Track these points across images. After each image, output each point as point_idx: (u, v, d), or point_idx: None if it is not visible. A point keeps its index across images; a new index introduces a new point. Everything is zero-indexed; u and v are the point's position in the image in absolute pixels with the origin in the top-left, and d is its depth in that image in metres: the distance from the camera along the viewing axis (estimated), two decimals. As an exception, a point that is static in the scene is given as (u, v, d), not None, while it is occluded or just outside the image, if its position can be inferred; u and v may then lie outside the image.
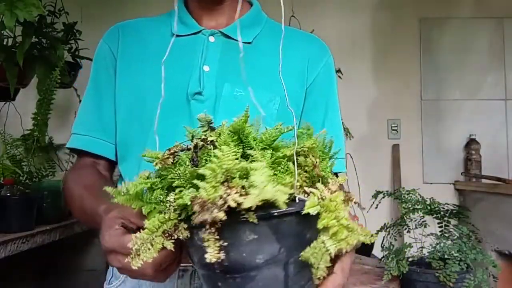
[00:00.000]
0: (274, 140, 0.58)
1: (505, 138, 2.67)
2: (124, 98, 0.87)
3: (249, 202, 0.48)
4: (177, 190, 0.54)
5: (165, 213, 0.54)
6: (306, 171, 0.56)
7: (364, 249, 2.00)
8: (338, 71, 2.31)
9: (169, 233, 0.53)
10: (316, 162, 0.56)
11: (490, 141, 2.64)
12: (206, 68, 0.86)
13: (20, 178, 1.70)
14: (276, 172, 0.54)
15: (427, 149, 2.68)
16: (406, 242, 1.48)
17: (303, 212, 0.50)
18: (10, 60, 1.70)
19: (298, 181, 0.54)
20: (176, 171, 0.56)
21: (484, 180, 2.49)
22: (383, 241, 1.56)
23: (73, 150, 0.92)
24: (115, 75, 0.88)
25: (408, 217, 1.53)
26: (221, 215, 0.48)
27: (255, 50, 0.89)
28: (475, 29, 2.70)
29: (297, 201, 0.53)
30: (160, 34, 0.89)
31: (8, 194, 1.55)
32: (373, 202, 1.59)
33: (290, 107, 0.62)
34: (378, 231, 1.68)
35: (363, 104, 2.68)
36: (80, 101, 2.03)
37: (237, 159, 0.51)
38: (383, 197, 1.60)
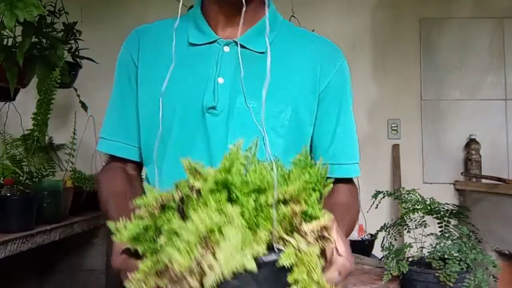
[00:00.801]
0: (259, 186, 0.57)
1: (505, 138, 2.67)
2: (145, 105, 0.89)
3: (208, 284, 0.49)
4: (162, 241, 0.54)
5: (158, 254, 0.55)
6: (287, 218, 0.56)
7: (364, 249, 2.00)
8: (338, 71, 2.31)
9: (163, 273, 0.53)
10: (297, 209, 0.55)
11: (490, 141, 2.64)
12: (220, 80, 0.86)
13: (20, 178, 1.69)
14: (258, 219, 0.55)
15: (427, 149, 2.68)
16: (406, 242, 1.49)
17: (278, 265, 0.53)
18: (10, 60, 1.70)
19: (278, 229, 0.55)
20: (162, 220, 0.57)
21: (484, 180, 2.49)
22: (383, 241, 1.56)
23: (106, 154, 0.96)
24: (136, 82, 0.90)
25: (408, 217, 1.53)
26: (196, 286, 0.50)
27: (273, 60, 0.81)
28: (475, 29, 2.70)
29: (276, 250, 0.54)
30: (177, 42, 0.83)
31: (8, 194, 1.55)
32: (373, 202, 1.59)
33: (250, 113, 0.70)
34: (378, 231, 1.68)
35: (363, 104, 2.68)
36: (80, 101, 2.04)
37: (221, 209, 0.53)
38: (383, 197, 1.60)
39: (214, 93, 0.85)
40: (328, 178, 0.65)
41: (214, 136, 0.84)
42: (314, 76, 0.91)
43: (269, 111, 0.84)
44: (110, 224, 0.60)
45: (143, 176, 0.96)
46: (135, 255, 0.62)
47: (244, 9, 0.68)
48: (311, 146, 0.92)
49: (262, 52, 0.88)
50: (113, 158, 0.94)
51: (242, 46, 0.87)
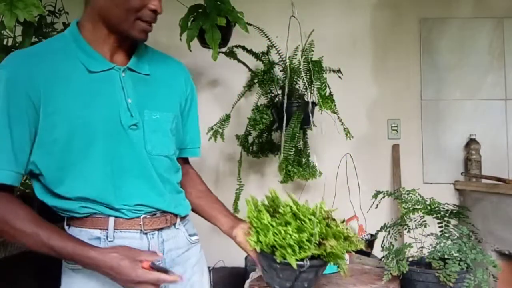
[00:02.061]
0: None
1: (505, 138, 2.67)
2: (58, 131, 1.01)
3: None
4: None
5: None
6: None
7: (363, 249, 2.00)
8: (338, 71, 2.31)
9: None
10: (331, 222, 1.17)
11: (490, 141, 2.64)
12: (129, 100, 1.08)
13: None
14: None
15: (427, 149, 2.68)
16: (406, 242, 1.48)
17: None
18: (10, 60, 1.70)
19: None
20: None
21: (484, 180, 2.49)
22: (383, 241, 1.56)
23: None
24: (37, 114, 1.00)
25: (408, 217, 1.53)
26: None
27: (153, 79, 1.15)
28: (475, 29, 2.70)
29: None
30: (75, 71, 1.04)
31: (8, 194, 1.55)
32: (373, 202, 1.59)
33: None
34: (378, 231, 1.68)
35: (363, 104, 2.68)
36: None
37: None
38: (383, 197, 1.60)
39: (129, 111, 1.07)
40: None
41: (137, 145, 1.08)
42: (183, 89, 1.23)
43: (165, 120, 1.14)
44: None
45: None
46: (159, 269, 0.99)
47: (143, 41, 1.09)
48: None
49: (147, 74, 1.14)
50: None
51: (132, 70, 1.11)
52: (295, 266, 1.06)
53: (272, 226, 1.10)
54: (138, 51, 1.13)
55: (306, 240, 1.07)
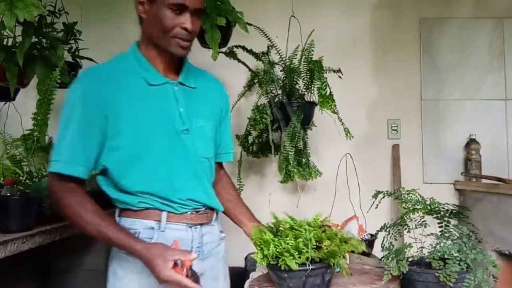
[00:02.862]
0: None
1: (505, 138, 2.67)
2: (125, 135, 1.21)
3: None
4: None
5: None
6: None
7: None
8: (338, 71, 2.31)
9: None
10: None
11: (490, 141, 2.64)
12: (181, 110, 1.28)
13: (20, 178, 1.69)
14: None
15: (427, 149, 2.68)
16: (406, 242, 1.48)
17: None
18: (10, 60, 1.70)
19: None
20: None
21: (484, 180, 2.49)
22: (383, 241, 1.55)
23: (58, 174, 1.19)
24: (104, 124, 1.20)
25: (408, 217, 1.53)
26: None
27: (198, 92, 1.35)
28: (475, 29, 2.70)
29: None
30: (138, 84, 1.25)
31: (8, 194, 1.55)
32: (373, 202, 1.59)
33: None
34: (378, 231, 1.68)
35: (363, 104, 2.68)
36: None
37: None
38: (383, 197, 1.60)
39: (181, 119, 1.27)
40: None
41: (190, 148, 1.28)
42: (219, 102, 1.44)
43: (207, 127, 1.35)
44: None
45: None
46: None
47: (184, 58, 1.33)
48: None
49: (194, 87, 1.34)
50: (65, 178, 1.19)
51: (182, 84, 1.31)
52: (296, 267, 1.20)
53: (272, 240, 1.26)
54: (185, 67, 1.33)
55: (303, 245, 1.23)
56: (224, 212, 1.45)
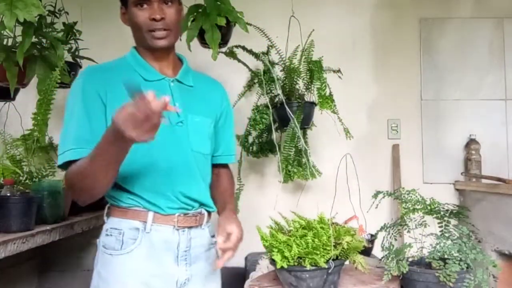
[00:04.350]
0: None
1: (505, 138, 2.66)
2: None
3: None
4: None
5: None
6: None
7: (364, 249, 2.00)
8: (338, 71, 2.31)
9: None
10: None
11: (490, 141, 2.64)
12: (176, 104, 1.28)
13: (20, 178, 1.70)
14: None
15: (427, 149, 2.68)
16: (406, 242, 1.48)
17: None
18: (10, 60, 1.70)
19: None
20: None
21: (484, 180, 2.49)
22: (383, 241, 1.56)
23: (67, 164, 1.18)
24: (104, 112, 1.21)
25: (408, 217, 1.53)
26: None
27: (196, 90, 1.37)
28: (475, 29, 2.70)
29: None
30: (134, 79, 1.24)
31: (8, 194, 1.55)
32: (373, 202, 1.59)
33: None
34: (378, 231, 1.68)
35: (363, 104, 2.68)
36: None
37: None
38: (383, 197, 1.60)
39: (177, 113, 1.27)
40: None
41: (183, 140, 1.29)
42: (219, 103, 1.44)
43: (204, 122, 1.35)
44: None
45: None
46: None
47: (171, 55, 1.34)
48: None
49: (191, 86, 1.36)
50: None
51: (179, 82, 1.34)
52: (325, 266, 1.23)
53: (294, 241, 1.25)
54: (184, 68, 1.37)
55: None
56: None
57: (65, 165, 1.19)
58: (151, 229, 1.24)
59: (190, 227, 1.29)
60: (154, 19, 1.23)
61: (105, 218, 1.29)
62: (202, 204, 1.34)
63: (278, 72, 2.29)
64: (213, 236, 1.38)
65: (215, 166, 1.45)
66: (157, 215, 1.24)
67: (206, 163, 1.37)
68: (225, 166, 1.52)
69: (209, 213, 1.37)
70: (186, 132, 1.29)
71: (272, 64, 2.29)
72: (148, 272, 1.23)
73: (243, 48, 2.30)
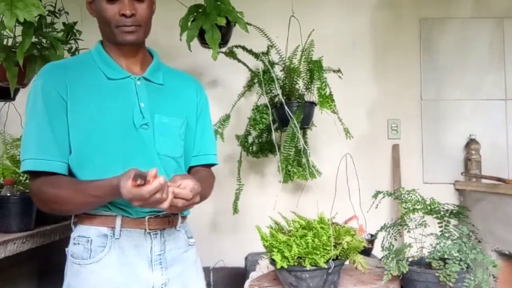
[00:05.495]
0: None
1: (505, 138, 2.66)
2: (79, 129, 1.16)
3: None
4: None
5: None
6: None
7: (364, 249, 2.00)
8: (338, 71, 2.31)
9: None
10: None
11: (490, 141, 2.64)
12: (142, 104, 1.22)
13: (20, 178, 1.69)
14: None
15: (427, 149, 2.68)
16: (406, 242, 1.49)
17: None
18: (10, 60, 1.70)
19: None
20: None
21: (484, 180, 2.49)
22: (383, 241, 1.56)
23: (31, 172, 1.15)
24: (66, 112, 1.16)
25: (408, 217, 1.53)
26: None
27: (166, 88, 1.29)
28: (475, 29, 2.70)
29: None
30: (97, 77, 1.21)
31: (8, 194, 1.56)
32: (373, 202, 1.59)
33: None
34: (378, 231, 1.68)
35: (363, 104, 2.68)
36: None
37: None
38: (383, 197, 1.60)
39: (141, 113, 1.21)
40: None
41: (148, 143, 1.21)
42: (194, 99, 1.36)
43: (174, 124, 1.27)
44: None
45: None
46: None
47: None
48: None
49: (161, 84, 1.29)
50: (39, 175, 1.14)
51: (147, 80, 1.26)
52: (325, 266, 1.23)
53: (294, 241, 1.24)
54: (153, 64, 1.29)
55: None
56: None
57: (28, 172, 1.16)
58: (121, 234, 1.17)
59: (163, 229, 1.22)
60: (124, 15, 1.17)
61: (72, 226, 1.23)
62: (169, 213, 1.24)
63: (278, 72, 2.29)
64: (190, 237, 1.32)
65: (193, 168, 1.35)
66: (126, 219, 1.18)
67: (178, 167, 1.28)
68: (206, 167, 1.40)
69: (183, 216, 1.30)
70: (151, 135, 1.21)
71: (272, 64, 2.28)
72: (120, 280, 1.16)
73: (243, 48, 2.30)
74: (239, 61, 2.30)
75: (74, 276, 1.18)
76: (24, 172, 1.17)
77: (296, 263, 1.24)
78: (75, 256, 1.19)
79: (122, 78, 1.23)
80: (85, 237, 1.18)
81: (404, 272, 1.38)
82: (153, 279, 1.19)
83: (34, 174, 1.15)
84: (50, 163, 1.13)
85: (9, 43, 1.79)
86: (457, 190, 2.63)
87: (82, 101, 1.17)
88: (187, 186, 1.08)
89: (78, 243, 1.19)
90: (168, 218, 1.23)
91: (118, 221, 1.17)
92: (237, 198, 2.31)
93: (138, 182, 0.97)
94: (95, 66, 1.23)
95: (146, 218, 1.19)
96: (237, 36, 2.16)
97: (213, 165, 1.41)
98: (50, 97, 1.15)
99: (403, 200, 1.56)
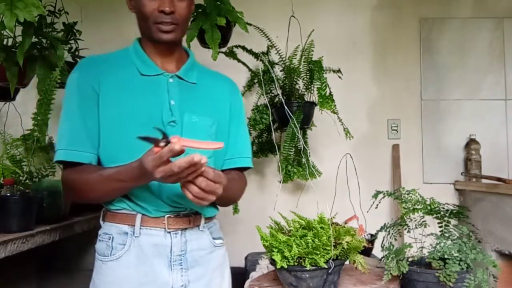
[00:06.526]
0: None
1: (505, 138, 2.66)
2: (110, 122, 1.17)
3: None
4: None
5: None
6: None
7: (364, 249, 2.00)
8: (338, 71, 2.31)
9: None
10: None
11: (490, 141, 2.64)
12: (172, 102, 1.21)
13: (20, 178, 1.69)
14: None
15: (427, 149, 2.68)
16: (406, 242, 1.48)
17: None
18: (10, 60, 1.70)
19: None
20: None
21: (484, 180, 2.49)
22: (383, 241, 1.56)
23: (63, 162, 1.19)
24: (98, 105, 1.17)
25: (408, 217, 1.53)
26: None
27: (199, 88, 1.28)
28: (475, 29, 2.70)
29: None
30: (130, 73, 1.22)
31: (8, 194, 1.55)
32: (373, 202, 1.59)
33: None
34: (378, 231, 1.68)
35: (363, 104, 2.68)
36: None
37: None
38: (383, 197, 1.60)
39: (170, 111, 1.20)
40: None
41: None
42: (227, 100, 1.33)
43: (204, 124, 1.24)
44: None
45: None
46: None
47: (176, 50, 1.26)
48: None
49: (194, 83, 1.28)
50: (71, 165, 1.17)
51: (180, 78, 1.26)
52: (325, 266, 1.22)
53: (294, 241, 1.24)
54: (188, 63, 1.29)
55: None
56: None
57: (61, 162, 1.19)
58: (141, 232, 1.17)
59: (184, 229, 1.21)
60: (163, 12, 1.16)
61: (101, 222, 1.25)
62: (190, 213, 1.23)
63: (278, 72, 2.29)
64: (217, 239, 1.30)
65: (225, 171, 1.29)
66: (145, 217, 1.18)
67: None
68: (239, 170, 1.35)
69: (207, 217, 1.27)
70: (178, 132, 1.18)
71: (272, 64, 2.29)
72: (137, 279, 1.16)
73: (243, 48, 2.30)
74: (239, 61, 2.31)
75: (97, 272, 1.22)
76: (57, 162, 1.20)
77: (296, 263, 1.24)
78: (99, 252, 1.21)
79: (155, 75, 1.23)
80: (107, 234, 1.20)
81: (404, 272, 1.37)
82: (172, 280, 1.18)
83: (66, 165, 1.19)
84: (80, 154, 1.16)
85: (9, 43, 1.79)
86: (457, 190, 2.63)
87: (113, 95, 1.18)
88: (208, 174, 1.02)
89: (102, 240, 1.21)
90: (188, 218, 1.22)
91: (138, 219, 1.18)
92: (237, 198, 2.31)
93: (161, 144, 0.96)
94: (130, 61, 1.24)
95: (165, 217, 1.18)
96: (237, 36, 2.16)
97: (246, 168, 1.38)
98: (83, 89, 1.18)
99: (403, 200, 1.55)
